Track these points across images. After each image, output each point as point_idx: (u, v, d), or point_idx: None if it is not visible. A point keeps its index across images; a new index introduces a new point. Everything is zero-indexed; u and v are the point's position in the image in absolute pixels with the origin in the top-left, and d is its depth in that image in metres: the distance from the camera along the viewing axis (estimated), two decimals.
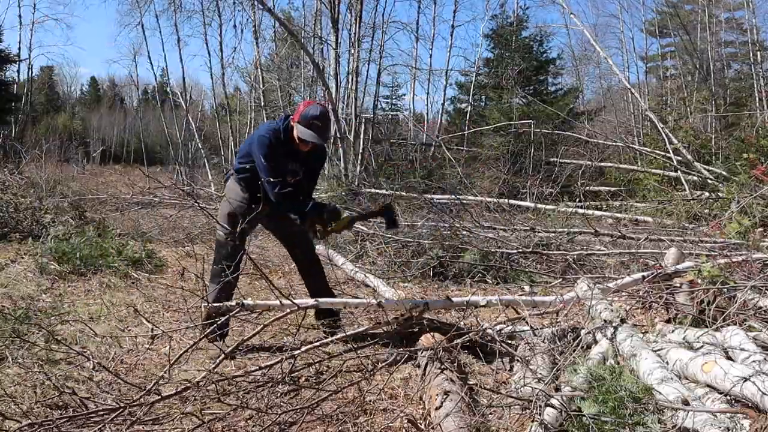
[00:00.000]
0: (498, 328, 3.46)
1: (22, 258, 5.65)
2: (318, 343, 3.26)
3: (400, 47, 67.36)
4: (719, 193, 8.22)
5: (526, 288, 5.27)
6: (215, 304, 3.25)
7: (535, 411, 2.21)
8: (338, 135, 13.07)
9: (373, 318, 3.98)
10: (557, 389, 2.49)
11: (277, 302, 3.31)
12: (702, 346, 2.75)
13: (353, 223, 3.53)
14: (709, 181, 9.35)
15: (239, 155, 3.58)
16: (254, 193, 3.33)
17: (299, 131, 3.24)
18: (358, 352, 3.17)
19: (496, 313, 4.15)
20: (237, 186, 3.51)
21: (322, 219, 3.32)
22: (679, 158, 10.48)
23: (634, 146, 13.42)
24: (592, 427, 2.02)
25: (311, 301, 3.40)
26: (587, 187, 11.47)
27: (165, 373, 2.72)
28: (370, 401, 2.71)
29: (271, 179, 3.26)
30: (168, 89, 26.45)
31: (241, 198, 3.49)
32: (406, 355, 3.01)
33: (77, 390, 2.59)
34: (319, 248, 6.76)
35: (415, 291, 5.23)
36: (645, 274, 4.14)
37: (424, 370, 2.85)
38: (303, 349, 3.13)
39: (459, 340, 3.06)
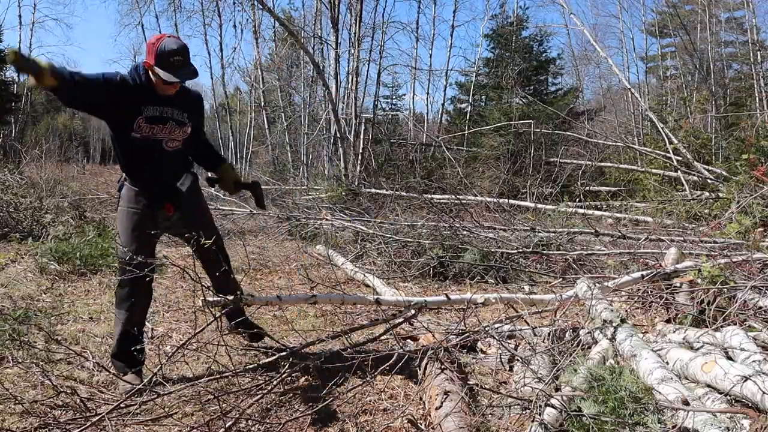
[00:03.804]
0: (497, 327, 3.46)
1: (22, 258, 5.65)
2: (315, 340, 3.26)
3: (400, 47, 67.35)
4: (719, 193, 8.21)
5: (526, 288, 5.28)
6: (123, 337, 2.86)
7: (535, 411, 2.21)
8: (338, 135, 13.06)
9: (372, 317, 3.98)
10: (557, 389, 2.49)
11: (276, 298, 3.32)
12: (702, 346, 2.75)
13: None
14: (709, 181, 9.34)
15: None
16: (152, 194, 2.92)
17: (161, 74, 2.70)
18: (357, 349, 3.17)
19: (497, 313, 4.16)
20: (132, 192, 2.93)
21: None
22: (679, 158, 10.48)
23: (634, 146, 13.40)
24: (592, 427, 2.02)
25: (310, 296, 3.40)
26: (587, 187, 11.46)
27: (159, 370, 2.72)
28: (370, 401, 2.72)
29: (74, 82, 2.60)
30: None
31: (141, 205, 2.92)
32: (406, 356, 3.00)
33: (77, 390, 2.59)
34: (319, 248, 6.78)
35: (415, 291, 5.23)
36: (644, 273, 4.14)
37: (424, 370, 2.85)
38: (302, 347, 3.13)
39: (459, 340, 3.07)
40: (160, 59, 2.70)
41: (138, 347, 2.81)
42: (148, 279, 2.82)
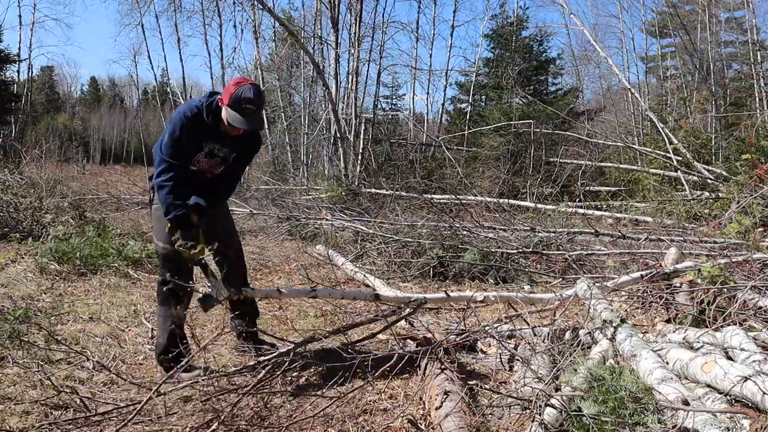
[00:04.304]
0: (497, 327, 3.46)
1: (22, 258, 5.65)
2: (314, 335, 3.26)
3: (400, 47, 67.28)
4: (719, 193, 8.21)
5: (526, 288, 5.27)
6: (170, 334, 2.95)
7: (535, 411, 2.21)
8: (338, 135, 13.06)
9: (372, 316, 3.97)
10: (557, 389, 2.49)
11: (277, 291, 3.33)
12: (702, 346, 2.75)
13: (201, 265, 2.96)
14: (709, 181, 9.34)
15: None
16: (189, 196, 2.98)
17: (229, 116, 2.84)
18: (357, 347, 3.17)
19: (497, 313, 4.15)
20: None
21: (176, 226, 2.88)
22: (679, 158, 10.48)
23: (634, 146, 13.40)
24: (592, 427, 2.02)
25: (310, 290, 3.40)
26: (587, 187, 11.46)
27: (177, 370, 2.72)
28: (370, 401, 2.72)
29: (166, 159, 2.86)
30: (168, 89, 26.51)
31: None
32: (406, 356, 3.00)
33: (77, 390, 2.59)
34: (319, 248, 6.78)
35: (415, 291, 5.23)
36: (644, 273, 4.14)
37: (424, 370, 2.85)
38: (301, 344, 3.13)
39: (459, 340, 3.07)
40: (234, 103, 2.83)
41: (183, 343, 2.93)
42: (190, 275, 2.92)
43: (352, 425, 2.47)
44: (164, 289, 2.99)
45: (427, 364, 2.84)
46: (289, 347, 2.91)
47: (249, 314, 3.38)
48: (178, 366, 2.86)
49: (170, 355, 2.93)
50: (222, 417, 2.29)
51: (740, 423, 2.05)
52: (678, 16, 17.87)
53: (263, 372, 2.63)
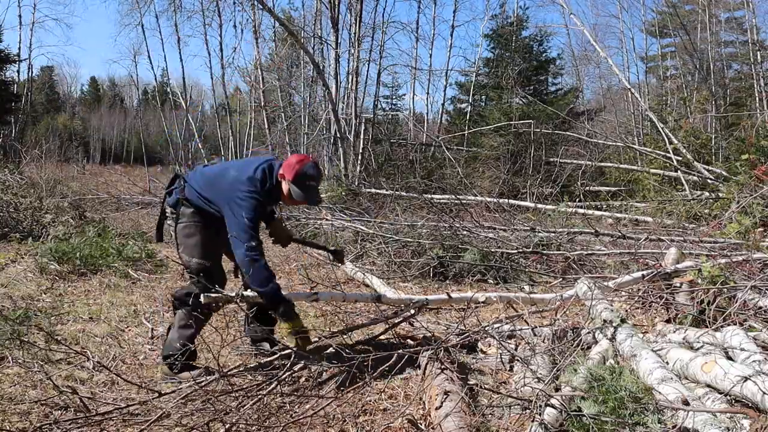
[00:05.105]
0: (497, 327, 3.46)
1: (22, 258, 5.65)
2: (318, 338, 3.26)
3: (400, 47, 67.63)
4: (719, 193, 8.21)
5: (526, 288, 5.27)
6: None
7: (535, 411, 2.21)
8: (338, 135, 13.06)
9: (372, 317, 3.97)
10: (557, 389, 2.49)
11: None
12: (702, 346, 2.75)
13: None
14: (709, 181, 9.34)
15: (204, 188, 3.10)
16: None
17: (294, 192, 3.02)
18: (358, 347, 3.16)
19: (497, 313, 4.15)
20: (192, 210, 3.14)
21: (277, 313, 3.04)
22: (679, 158, 10.48)
23: (634, 146, 13.40)
24: (592, 427, 2.02)
25: (311, 294, 3.40)
26: (587, 187, 11.46)
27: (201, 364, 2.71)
28: (370, 401, 2.71)
29: (249, 242, 2.92)
30: (168, 89, 26.54)
31: (204, 221, 3.14)
32: (406, 356, 3.00)
33: (78, 390, 2.59)
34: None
35: (415, 291, 5.23)
36: (645, 273, 4.14)
37: (424, 370, 2.85)
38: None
39: (459, 340, 3.06)
40: (299, 179, 3.02)
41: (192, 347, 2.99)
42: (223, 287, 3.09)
43: (352, 425, 2.47)
44: (196, 301, 2.98)
45: (427, 364, 2.84)
46: (291, 350, 2.91)
47: (267, 321, 3.42)
48: (179, 366, 2.87)
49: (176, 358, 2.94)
50: (222, 418, 2.29)
51: (740, 423, 2.05)
52: (678, 16, 17.88)
53: (264, 376, 2.62)
